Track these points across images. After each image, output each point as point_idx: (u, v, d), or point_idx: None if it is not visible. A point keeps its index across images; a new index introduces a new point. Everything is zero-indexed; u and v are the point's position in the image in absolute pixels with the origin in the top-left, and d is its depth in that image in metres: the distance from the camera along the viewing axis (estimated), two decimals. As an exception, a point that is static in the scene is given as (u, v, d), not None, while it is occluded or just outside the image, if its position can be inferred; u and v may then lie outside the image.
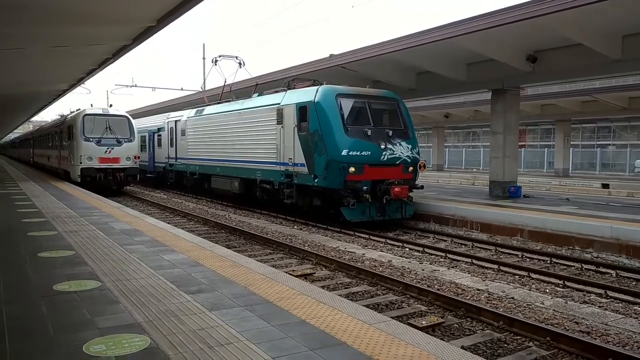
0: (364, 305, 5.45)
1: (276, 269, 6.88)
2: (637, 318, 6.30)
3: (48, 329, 3.90)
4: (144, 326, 3.94)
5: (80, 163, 19.23)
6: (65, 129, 21.91)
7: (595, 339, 5.51)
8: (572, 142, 33.81)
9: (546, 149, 38.18)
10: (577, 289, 7.57)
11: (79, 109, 21.82)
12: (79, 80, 18.72)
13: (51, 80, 18.80)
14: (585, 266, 8.95)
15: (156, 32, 10.23)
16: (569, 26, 11.82)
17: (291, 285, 5.17)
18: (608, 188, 22.15)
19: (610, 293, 7.28)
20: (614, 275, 8.44)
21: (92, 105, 21.75)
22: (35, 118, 53.34)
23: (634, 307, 6.74)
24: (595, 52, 12.48)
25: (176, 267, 5.89)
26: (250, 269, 5.90)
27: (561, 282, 7.89)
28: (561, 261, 9.38)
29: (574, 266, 9.04)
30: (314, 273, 8.34)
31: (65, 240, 7.57)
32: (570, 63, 13.55)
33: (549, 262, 9.41)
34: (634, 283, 8.03)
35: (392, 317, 5.05)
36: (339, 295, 5.95)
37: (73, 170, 19.82)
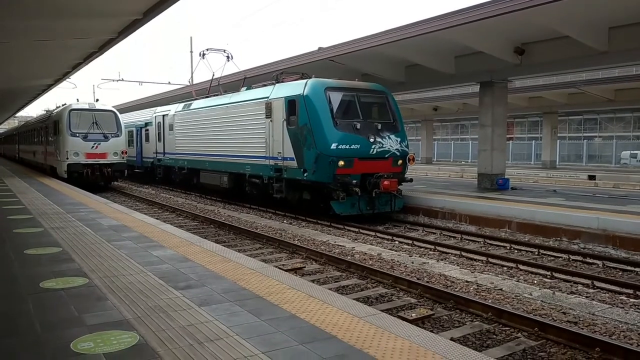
0: (354, 299, 5.47)
1: (266, 263, 6.87)
2: (623, 307, 6.39)
3: (35, 326, 3.85)
4: (132, 323, 3.90)
5: (67, 159, 19.01)
6: (51, 124, 21.63)
7: (582, 329, 5.57)
8: (559, 134, 34.14)
9: (533, 141, 38.51)
10: (565, 280, 7.65)
11: (65, 104, 21.53)
12: (65, 75, 18.49)
13: (36, 75, 18.54)
14: (572, 257, 9.05)
15: (142, 25, 10.13)
16: (556, 18, 11.89)
17: (281, 280, 5.16)
18: (595, 179, 22.38)
19: (596, 283, 7.37)
20: (601, 265, 8.54)
21: (78, 100, 21.48)
22: (21, 113, 52.68)
23: (620, 297, 6.83)
24: (582, 44, 12.57)
25: (165, 263, 5.85)
26: (239, 263, 5.88)
27: (549, 273, 7.97)
28: (549, 252, 9.48)
29: (561, 257, 9.14)
30: (304, 267, 8.34)
31: (52, 236, 7.49)
32: (558, 55, 13.64)
33: (536, 253, 9.50)
34: (619, 273, 8.14)
35: (382, 310, 5.07)
36: (329, 289, 5.96)
37: (59, 166, 19.59)
